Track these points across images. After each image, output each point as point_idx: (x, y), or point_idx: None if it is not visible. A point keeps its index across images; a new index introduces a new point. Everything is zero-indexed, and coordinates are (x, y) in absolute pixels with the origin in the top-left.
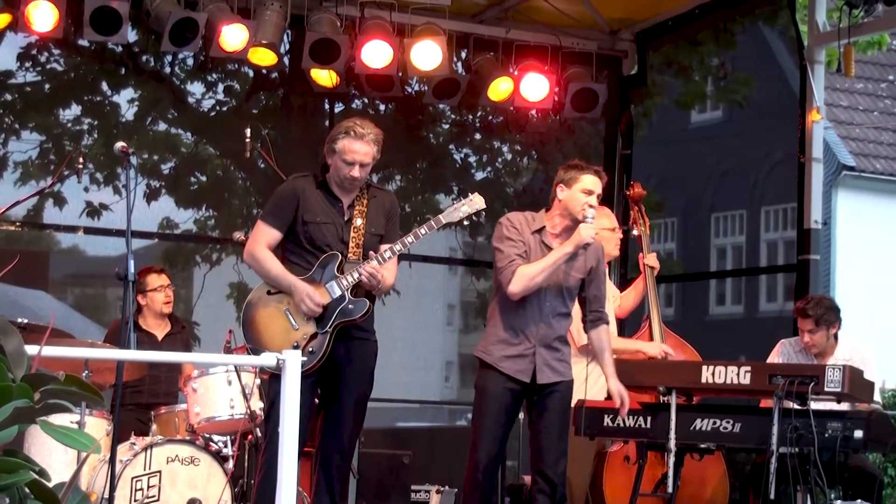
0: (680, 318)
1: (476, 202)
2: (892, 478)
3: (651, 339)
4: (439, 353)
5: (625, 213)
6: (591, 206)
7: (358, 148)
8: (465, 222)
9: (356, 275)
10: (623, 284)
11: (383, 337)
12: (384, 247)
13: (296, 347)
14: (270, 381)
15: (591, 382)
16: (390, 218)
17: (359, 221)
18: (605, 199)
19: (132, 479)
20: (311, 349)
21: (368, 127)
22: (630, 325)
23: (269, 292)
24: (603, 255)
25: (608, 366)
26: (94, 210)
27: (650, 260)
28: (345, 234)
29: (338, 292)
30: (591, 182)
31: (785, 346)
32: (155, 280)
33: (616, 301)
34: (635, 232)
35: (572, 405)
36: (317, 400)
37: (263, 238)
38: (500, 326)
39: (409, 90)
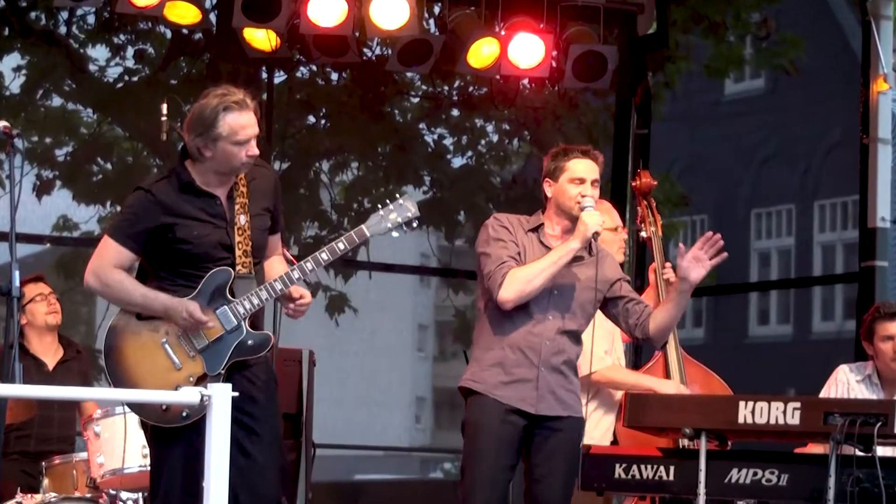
0: (711, 342)
1: (407, 207)
2: None
3: (666, 370)
4: (407, 386)
5: (634, 208)
6: (584, 196)
7: (248, 121)
8: (395, 234)
9: (255, 300)
10: None
11: (334, 366)
12: (294, 268)
13: None
14: (153, 434)
15: (594, 423)
16: (276, 200)
17: (242, 219)
18: (616, 192)
19: None
20: None
21: (242, 92)
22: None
23: (139, 316)
24: (617, 265)
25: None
26: None
27: (669, 273)
28: (231, 237)
29: (232, 322)
30: (580, 168)
31: (844, 374)
32: (32, 290)
33: None
34: (644, 234)
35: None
36: None
37: (112, 259)
38: (494, 347)
39: (369, 55)
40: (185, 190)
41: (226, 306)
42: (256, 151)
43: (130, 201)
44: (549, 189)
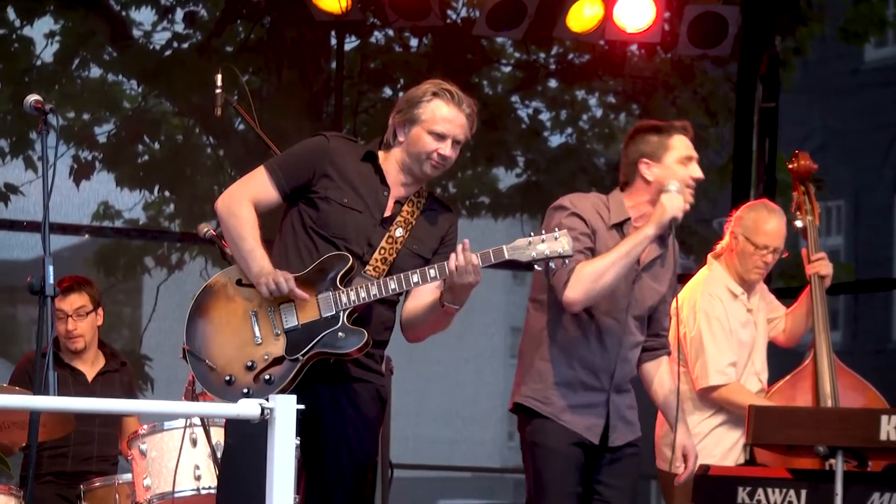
0: (849, 347)
1: (561, 244)
2: None
3: (815, 379)
4: (499, 397)
5: (768, 191)
6: (688, 178)
7: (454, 117)
8: (538, 266)
9: (364, 293)
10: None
11: (416, 376)
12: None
13: (250, 368)
14: (226, 423)
15: (716, 439)
16: (444, 243)
17: (399, 231)
18: (739, 174)
19: None
20: (267, 376)
21: (462, 94)
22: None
23: (240, 282)
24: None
25: (670, 410)
26: None
27: (819, 265)
28: (375, 236)
29: (331, 310)
30: (685, 145)
31: None
32: (59, 301)
33: (780, 324)
34: (799, 223)
35: (695, 471)
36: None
37: (255, 189)
38: (562, 363)
39: (453, 18)
40: (365, 159)
41: (330, 292)
42: (448, 153)
43: (304, 141)
44: (648, 171)
